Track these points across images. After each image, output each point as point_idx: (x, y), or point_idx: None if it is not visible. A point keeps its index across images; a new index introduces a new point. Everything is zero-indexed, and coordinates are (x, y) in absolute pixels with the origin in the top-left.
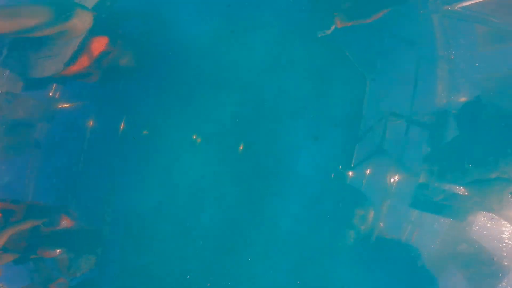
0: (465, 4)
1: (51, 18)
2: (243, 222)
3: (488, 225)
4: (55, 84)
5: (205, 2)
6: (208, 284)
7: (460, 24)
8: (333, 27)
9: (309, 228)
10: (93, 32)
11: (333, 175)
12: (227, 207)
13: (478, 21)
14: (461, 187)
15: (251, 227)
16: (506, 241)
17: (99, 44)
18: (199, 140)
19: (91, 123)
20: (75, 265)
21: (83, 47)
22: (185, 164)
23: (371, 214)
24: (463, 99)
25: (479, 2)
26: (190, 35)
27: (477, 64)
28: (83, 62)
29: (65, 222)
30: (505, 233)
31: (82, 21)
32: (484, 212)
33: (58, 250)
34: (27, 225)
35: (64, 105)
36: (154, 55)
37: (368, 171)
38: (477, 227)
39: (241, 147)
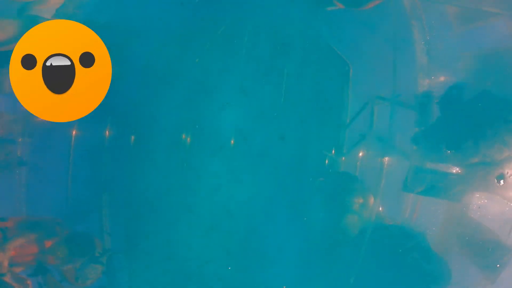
0: None
1: (18, 31)
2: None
3: (485, 204)
4: None
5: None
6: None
7: (431, 6)
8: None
9: (307, 220)
10: None
11: (327, 161)
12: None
13: (447, 2)
14: (454, 167)
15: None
16: (507, 216)
17: None
18: (189, 139)
19: (74, 132)
20: (81, 274)
21: None
22: (179, 163)
23: (371, 200)
24: (442, 78)
25: None
26: (164, 39)
27: (452, 44)
28: None
29: (63, 234)
30: (505, 211)
31: None
32: (479, 193)
33: (61, 261)
34: (24, 240)
35: None
36: (129, 62)
37: (360, 155)
38: (475, 207)
39: (232, 141)
